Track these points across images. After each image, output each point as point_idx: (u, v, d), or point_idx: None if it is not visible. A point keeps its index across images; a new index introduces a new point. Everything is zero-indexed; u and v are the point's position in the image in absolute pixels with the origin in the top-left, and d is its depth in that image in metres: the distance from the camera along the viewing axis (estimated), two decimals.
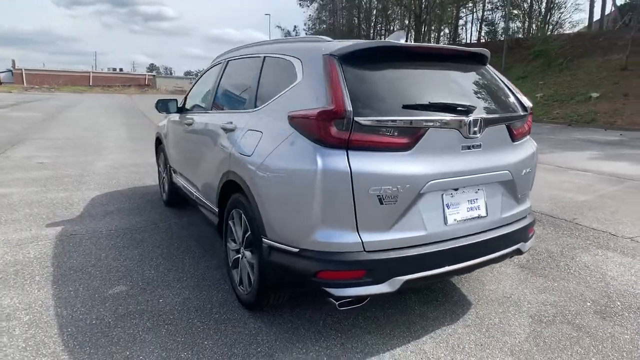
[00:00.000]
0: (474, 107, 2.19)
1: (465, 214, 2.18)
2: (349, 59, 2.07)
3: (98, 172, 6.43)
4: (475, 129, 2.15)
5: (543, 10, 26.78)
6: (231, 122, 2.71)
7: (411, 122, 1.98)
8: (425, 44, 2.51)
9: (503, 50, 20.52)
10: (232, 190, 2.63)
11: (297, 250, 2.02)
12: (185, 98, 4.13)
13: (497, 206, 2.33)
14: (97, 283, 2.92)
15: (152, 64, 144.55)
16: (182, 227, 4.11)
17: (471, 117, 2.13)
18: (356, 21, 47.64)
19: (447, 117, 2.08)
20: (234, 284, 2.71)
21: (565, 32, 25.34)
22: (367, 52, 2.11)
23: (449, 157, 2.11)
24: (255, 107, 2.55)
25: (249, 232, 2.38)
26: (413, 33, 40.29)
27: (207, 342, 2.26)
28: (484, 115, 2.24)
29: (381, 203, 1.94)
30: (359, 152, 1.93)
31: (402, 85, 2.16)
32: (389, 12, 41.48)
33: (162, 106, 4.01)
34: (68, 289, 2.81)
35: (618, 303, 2.75)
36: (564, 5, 26.34)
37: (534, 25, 28.29)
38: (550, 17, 26.60)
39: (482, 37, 33.76)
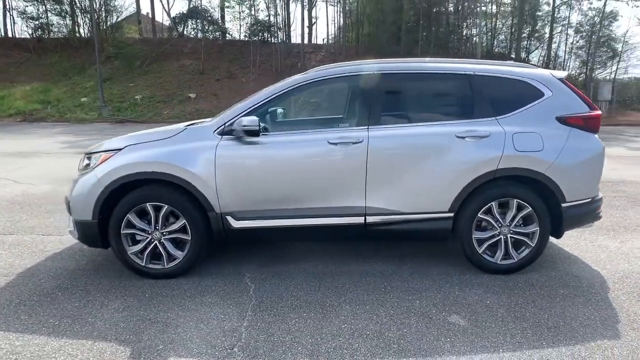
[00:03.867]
0: None
1: None
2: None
3: None
4: None
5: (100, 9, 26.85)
6: (474, 131, 3.13)
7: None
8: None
9: (96, 51, 19.46)
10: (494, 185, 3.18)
11: (589, 199, 3.27)
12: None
13: None
14: None
15: None
16: (289, 276, 3.28)
17: None
18: None
19: None
20: (489, 263, 3.26)
21: (133, 36, 26.82)
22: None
23: None
24: (500, 115, 3.19)
25: (527, 210, 3.18)
26: None
27: None
28: None
29: None
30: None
31: None
32: None
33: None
34: None
35: None
36: (119, 9, 27.72)
37: (86, 25, 27.86)
38: (107, 19, 27.17)
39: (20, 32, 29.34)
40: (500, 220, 3.23)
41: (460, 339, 2.46)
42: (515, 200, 3.18)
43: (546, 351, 2.34)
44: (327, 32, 27.83)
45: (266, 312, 2.76)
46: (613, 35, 25.01)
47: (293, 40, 28.75)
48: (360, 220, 3.21)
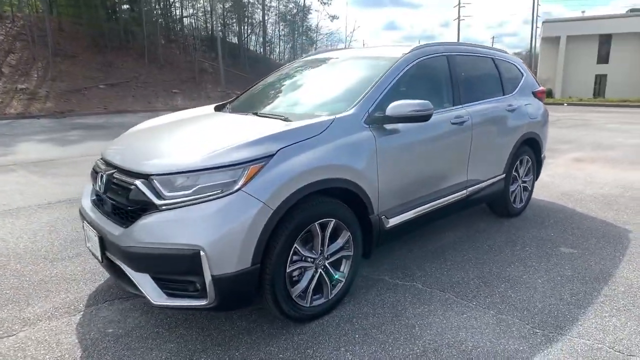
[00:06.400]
0: None
1: None
2: None
3: None
4: None
5: None
6: (511, 105, 3.86)
7: None
8: None
9: None
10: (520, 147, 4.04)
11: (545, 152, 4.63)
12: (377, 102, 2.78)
13: None
14: None
15: None
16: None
17: None
18: None
19: None
20: (515, 209, 4.17)
21: None
22: None
23: None
24: (513, 92, 4.02)
25: (529, 163, 4.25)
26: None
27: None
28: None
29: None
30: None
31: None
32: None
33: None
34: None
35: None
36: None
37: None
38: None
39: None
40: (520, 174, 4.16)
41: (593, 260, 3.24)
42: (526, 157, 4.17)
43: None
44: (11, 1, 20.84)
45: (494, 308, 2.70)
46: (310, 26, 30.65)
47: None
48: (463, 194, 3.45)
